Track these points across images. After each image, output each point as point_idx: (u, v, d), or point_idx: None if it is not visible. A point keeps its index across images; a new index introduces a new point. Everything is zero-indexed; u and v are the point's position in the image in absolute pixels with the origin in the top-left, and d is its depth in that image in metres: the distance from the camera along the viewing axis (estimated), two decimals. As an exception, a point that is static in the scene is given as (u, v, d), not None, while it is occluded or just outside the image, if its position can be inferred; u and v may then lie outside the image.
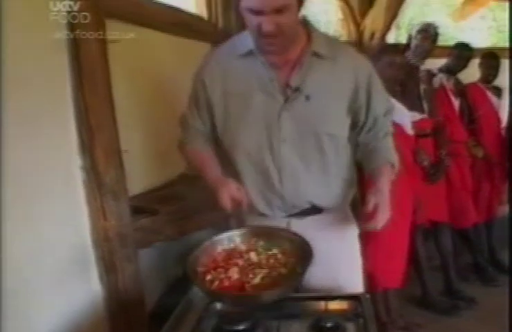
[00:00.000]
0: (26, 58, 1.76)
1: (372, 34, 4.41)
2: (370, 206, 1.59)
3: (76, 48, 1.92)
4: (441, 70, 4.04)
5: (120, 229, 2.10)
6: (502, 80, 4.39)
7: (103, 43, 2.01)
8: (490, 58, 4.36)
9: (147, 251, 2.40)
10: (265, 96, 1.69)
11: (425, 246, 3.67)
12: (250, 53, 1.70)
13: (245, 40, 1.71)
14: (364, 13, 4.64)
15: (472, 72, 4.33)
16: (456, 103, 4.07)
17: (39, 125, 1.82)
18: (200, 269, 1.55)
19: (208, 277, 1.52)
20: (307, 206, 1.78)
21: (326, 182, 1.76)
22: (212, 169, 1.82)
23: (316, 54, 1.68)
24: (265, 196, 1.78)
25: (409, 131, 3.42)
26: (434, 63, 4.02)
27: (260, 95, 1.69)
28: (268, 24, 1.53)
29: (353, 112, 1.75)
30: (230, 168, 1.83)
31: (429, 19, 4.36)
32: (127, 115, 2.33)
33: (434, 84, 3.90)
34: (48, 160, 1.87)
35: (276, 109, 1.68)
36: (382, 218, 1.59)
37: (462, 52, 4.10)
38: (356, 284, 1.85)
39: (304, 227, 1.70)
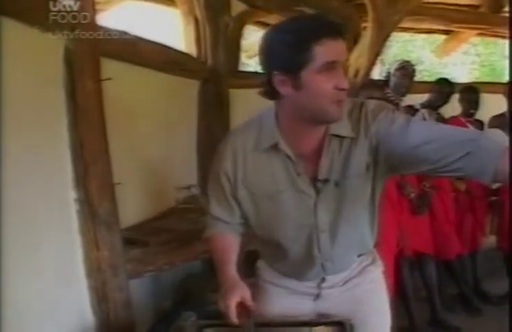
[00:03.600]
0: (25, 95, 1.84)
1: (357, 71, 4.50)
2: None
3: (72, 85, 2.01)
4: (423, 105, 4.13)
5: (113, 259, 2.15)
6: (483, 113, 4.50)
7: (98, 80, 2.10)
8: (470, 92, 4.45)
9: (138, 281, 2.44)
10: (294, 192, 1.58)
11: (411, 278, 3.72)
12: (274, 147, 1.55)
13: (269, 131, 1.56)
14: (348, 50, 4.75)
15: (455, 106, 4.43)
16: (438, 137, 4.14)
17: (37, 158, 1.90)
18: None
19: None
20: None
21: (361, 246, 1.72)
22: (225, 264, 1.65)
23: (337, 136, 1.54)
24: (306, 275, 1.70)
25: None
26: (417, 99, 4.13)
27: (289, 192, 1.58)
28: (345, 79, 1.41)
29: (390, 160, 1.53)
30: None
31: (413, 55, 4.49)
32: (121, 149, 2.40)
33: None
34: (43, 191, 1.93)
35: (310, 204, 1.58)
36: None
37: (443, 87, 4.20)
38: (385, 315, 1.83)
39: (336, 277, 1.72)
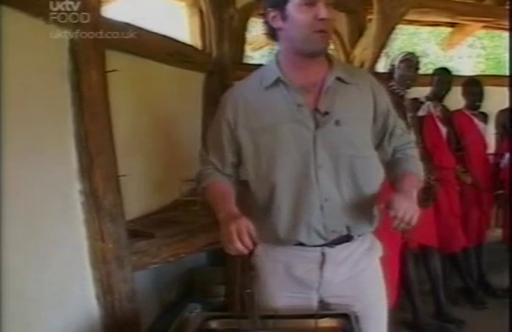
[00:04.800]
0: (31, 86, 1.85)
1: (362, 64, 4.48)
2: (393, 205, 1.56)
3: (77, 77, 2.01)
4: (428, 98, 4.13)
5: (117, 251, 2.16)
6: (489, 106, 4.49)
7: (103, 72, 2.10)
8: (473, 85, 4.45)
9: (143, 273, 2.45)
10: (294, 125, 1.66)
11: (415, 270, 3.72)
12: (276, 83, 1.69)
13: (271, 70, 1.72)
14: (353, 43, 4.75)
15: (459, 99, 4.43)
16: (443, 130, 4.15)
17: (42, 150, 1.90)
18: None
19: None
20: (345, 232, 1.73)
21: (359, 205, 1.73)
22: (226, 202, 1.71)
23: (339, 79, 1.70)
24: (305, 223, 1.70)
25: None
26: (422, 92, 4.12)
27: (289, 124, 1.66)
28: (325, 10, 1.57)
29: (373, 133, 1.78)
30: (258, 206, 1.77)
31: (418, 48, 4.47)
32: (125, 141, 2.41)
33: (421, 112, 3.98)
34: (49, 183, 1.94)
35: (309, 136, 1.66)
36: (409, 216, 1.55)
37: (442, 76, 4.20)
38: (383, 304, 1.86)
39: (336, 254, 1.72)
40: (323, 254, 1.72)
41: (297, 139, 1.67)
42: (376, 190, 1.77)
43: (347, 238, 1.74)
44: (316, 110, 1.67)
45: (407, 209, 1.55)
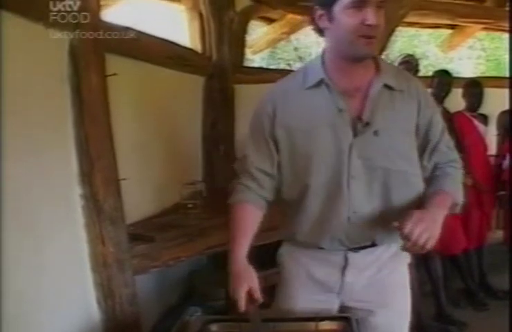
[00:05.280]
0: (31, 90, 1.85)
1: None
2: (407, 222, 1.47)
3: (77, 80, 2.02)
4: (428, 100, 4.13)
5: (118, 255, 2.16)
6: (489, 108, 4.49)
7: (103, 76, 2.10)
8: (472, 87, 4.45)
9: (144, 276, 2.45)
10: (332, 130, 1.61)
11: (416, 272, 3.72)
12: (319, 84, 1.64)
13: (315, 70, 1.66)
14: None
15: (459, 101, 4.43)
16: (444, 132, 4.14)
17: (42, 153, 1.90)
18: None
19: None
20: (369, 243, 1.69)
21: (389, 221, 1.63)
22: (241, 241, 1.67)
23: (387, 86, 1.63)
24: (329, 231, 1.66)
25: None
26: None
27: (326, 129, 1.61)
28: (373, 16, 1.49)
29: (417, 144, 1.69)
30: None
31: (418, 50, 4.48)
32: (126, 145, 2.41)
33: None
34: (49, 187, 1.94)
35: (345, 144, 1.60)
36: (423, 241, 1.45)
37: (442, 78, 4.20)
38: (406, 311, 1.80)
39: (360, 259, 1.69)
40: (346, 259, 1.69)
41: (334, 145, 1.62)
42: (410, 205, 1.65)
43: (372, 244, 1.70)
44: (358, 118, 1.61)
45: (423, 232, 1.45)
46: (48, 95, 1.96)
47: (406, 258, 1.79)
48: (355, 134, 1.60)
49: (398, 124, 1.63)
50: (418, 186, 1.69)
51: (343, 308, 1.73)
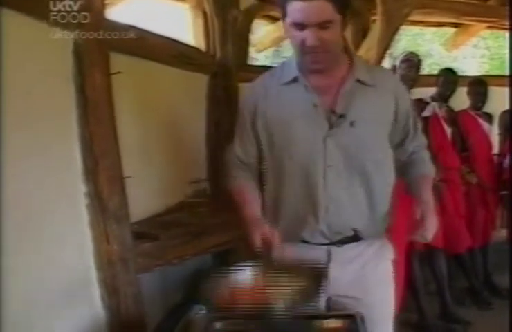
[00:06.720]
0: (35, 89, 1.85)
1: (366, 65, 4.47)
2: (418, 215, 1.66)
3: (82, 79, 2.01)
4: (433, 98, 4.12)
5: (123, 253, 2.15)
6: (493, 106, 4.48)
7: (107, 74, 2.10)
8: (477, 85, 4.45)
9: (149, 275, 2.45)
10: (308, 123, 1.68)
11: (421, 271, 3.72)
12: (294, 80, 1.71)
13: (290, 67, 1.74)
14: (358, 44, 4.73)
15: (464, 100, 4.42)
16: (448, 130, 4.14)
17: (47, 152, 1.90)
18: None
19: None
20: (351, 233, 1.74)
21: (369, 208, 1.74)
22: (251, 206, 1.76)
23: (359, 81, 1.70)
24: (309, 223, 1.73)
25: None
26: (427, 92, 4.12)
27: (303, 122, 1.68)
28: (311, 38, 1.56)
29: (394, 133, 1.80)
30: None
31: (422, 48, 4.47)
32: (130, 143, 2.41)
33: (426, 112, 3.98)
34: (53, 185, 1.94)
35: (321, 136, 1.67)
36: (431, 228, 1.66)
37: (448, 77, 4.19)
38: (390, 307, 1.86)
39: (343, 254, 1.73)
40: (329, 253, 1.73)
41: (309, 138, 1.69)
42: (386, 194, 1.79)
43: (355, 239, 1.75)
44: (332, 111, 1.68)
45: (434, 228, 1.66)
46: (53, 93, 1.96)
47: (390, 253, 1.87)
48: (331, 126, 1.68)
49: (373, 116, 1.71)
50: (391, 174, 1.81)
51: (330, 303, 1.78)
